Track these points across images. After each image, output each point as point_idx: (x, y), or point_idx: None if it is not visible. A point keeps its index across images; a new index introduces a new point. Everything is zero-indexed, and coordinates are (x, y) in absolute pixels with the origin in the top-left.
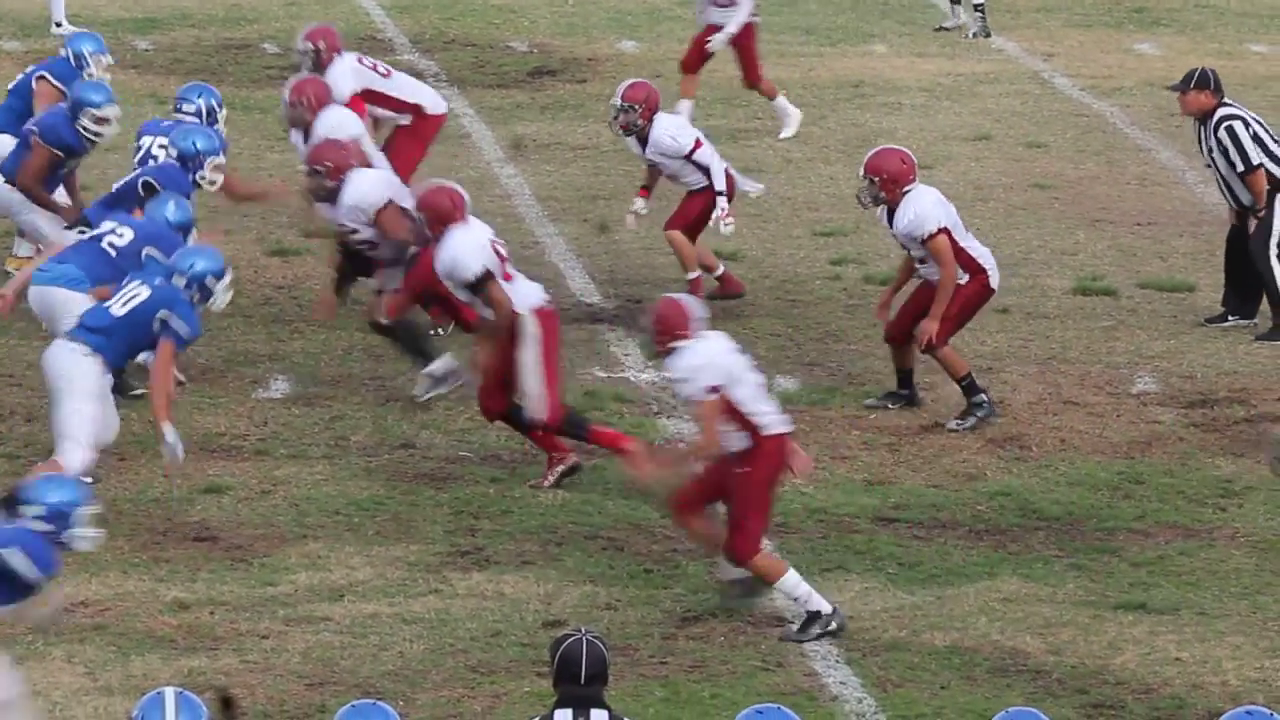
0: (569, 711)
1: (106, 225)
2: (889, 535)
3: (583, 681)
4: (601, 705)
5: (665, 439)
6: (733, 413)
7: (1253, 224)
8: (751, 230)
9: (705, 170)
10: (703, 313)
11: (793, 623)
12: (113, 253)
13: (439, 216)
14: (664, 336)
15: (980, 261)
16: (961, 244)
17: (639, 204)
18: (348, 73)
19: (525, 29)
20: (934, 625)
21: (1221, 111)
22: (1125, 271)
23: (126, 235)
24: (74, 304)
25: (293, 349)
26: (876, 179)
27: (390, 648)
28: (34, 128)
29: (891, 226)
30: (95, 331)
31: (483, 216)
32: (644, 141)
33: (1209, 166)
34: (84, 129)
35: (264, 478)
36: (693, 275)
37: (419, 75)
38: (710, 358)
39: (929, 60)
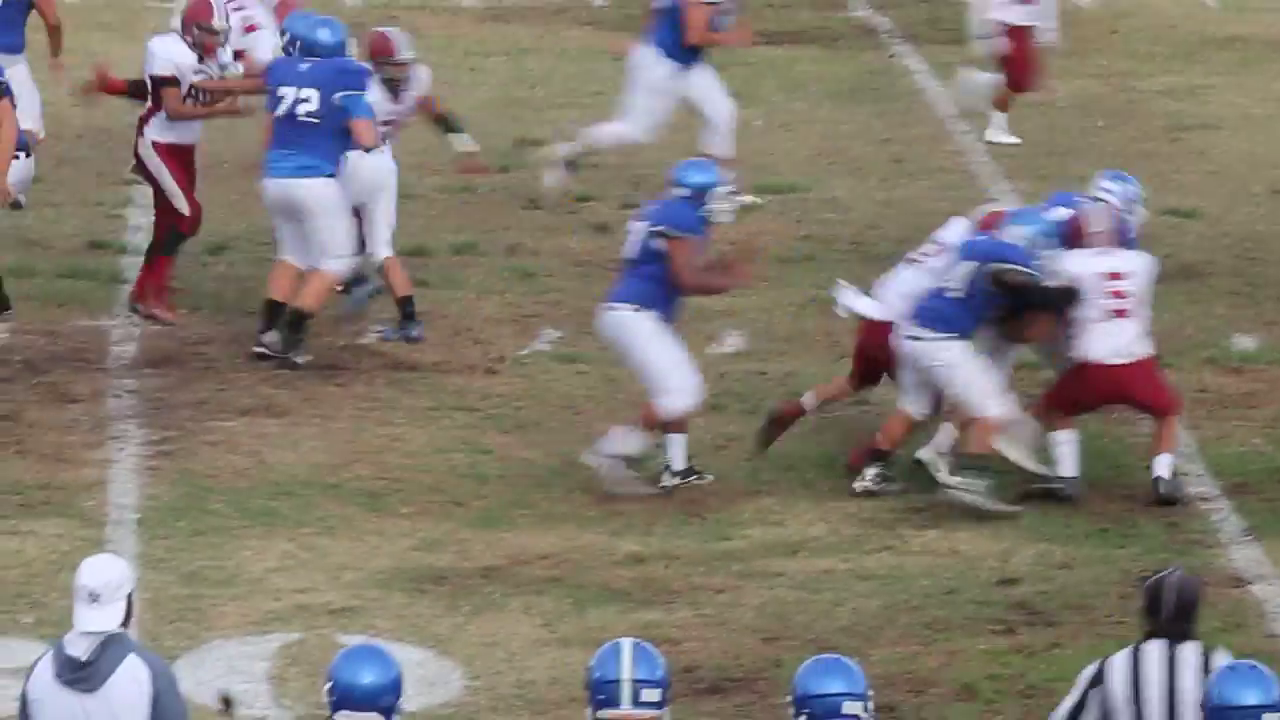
0: (1162, 642)
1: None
2: None
3: (1170, 617)
4: (1191, 638)
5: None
6: None
7: None
8: (1209, 187)
9: None
10: None
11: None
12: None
13: None
14: None
15: None
16: None
17: None
18: None
19: None
20: None
21: None
22: None
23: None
24: None
25: (747, 304)
26: None
27: (844, 603)
28: None
29: None
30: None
31: (935, 174)
32: None
33: None
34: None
35: (718, 433)
36: None
37: (870, 31)
38: None
39: None
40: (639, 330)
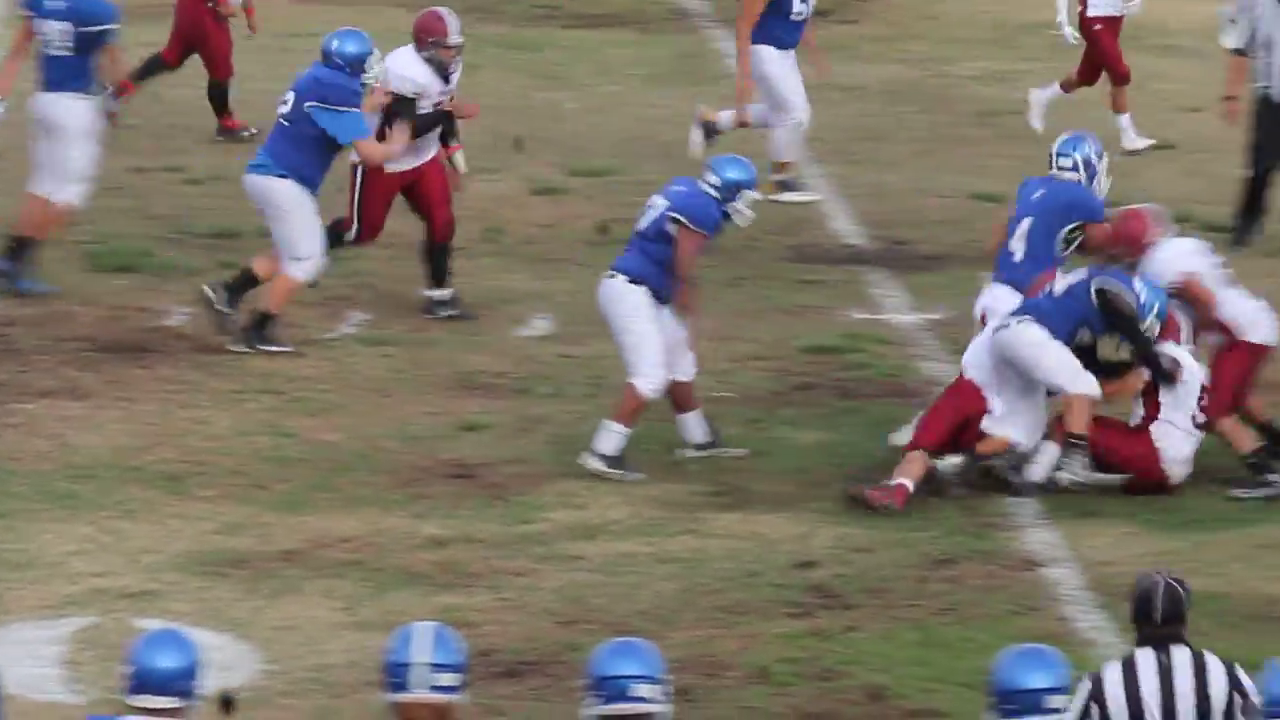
0: (1150, 650)
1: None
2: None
3: (1159, 621)
4: (1181, 642)
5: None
6: None
7: None
8: (1020, 172)
9: None
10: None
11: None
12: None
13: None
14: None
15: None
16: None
17: None
18: None
19: None
20: (1190, 571)
21: None
22: None
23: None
24: None
25: (555, 288)
26: None
27: (644, 587)
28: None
29: None
30: None
31: (753, 158)
32: None
33: None
34: None
35: (522, 416)
36: None
37: (684, 15)
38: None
39: (1199, 3)
40: (629, 303)
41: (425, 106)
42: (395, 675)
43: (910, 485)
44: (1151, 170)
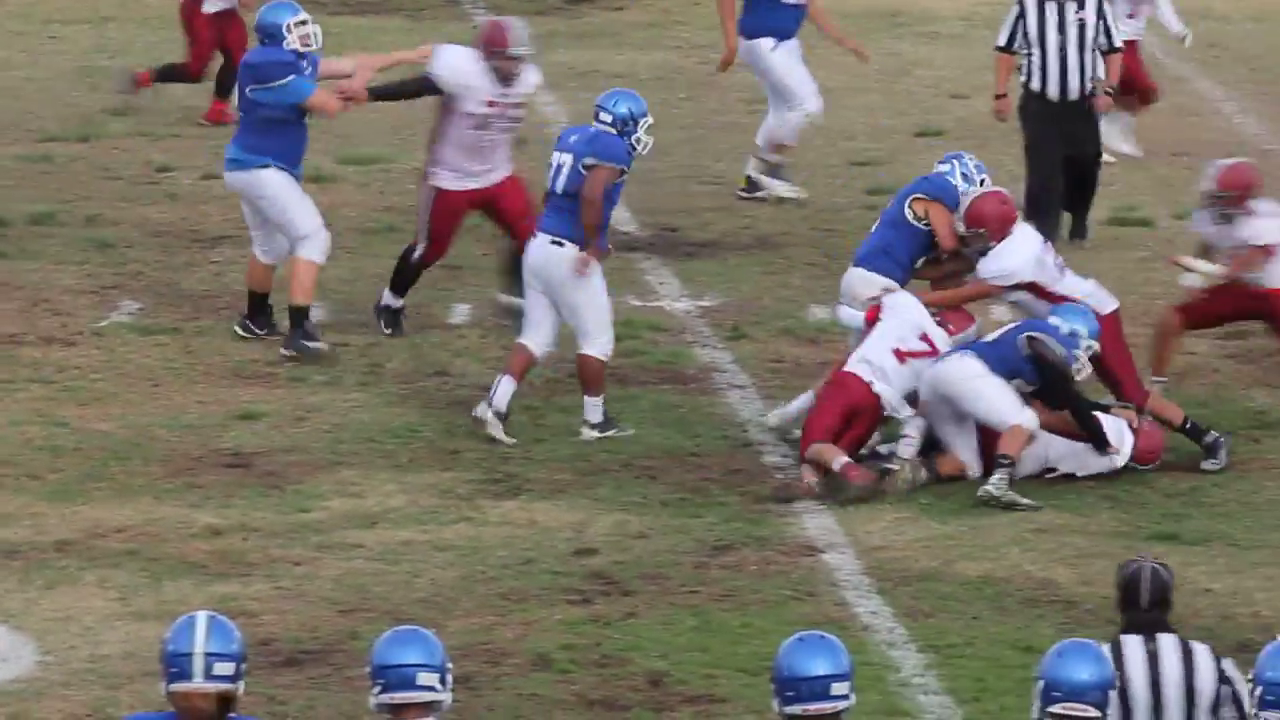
0: (1137, 637)
1: None
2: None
3: (1145, 607)
4: (1167, 629)
5: (699, 369)
6: None
7: None
8: (787, 159)
9: None
10: None
11: None
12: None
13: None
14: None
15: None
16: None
17: None
18: None
19: None
20: (966, 555)
21: None
22: (1162, 202)
23: None
24: None
25: (326, 276)
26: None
27: (422, 575)
28: None
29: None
30: None
31: (515, 145)
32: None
33: None
34: None
35: (298, 404)
36: None
37: (454, 2)
38: None
39: None
40: (562, 268)
41: (474, 106)
42: (174, 665)
43: (847, 459)
44: (921, 157)
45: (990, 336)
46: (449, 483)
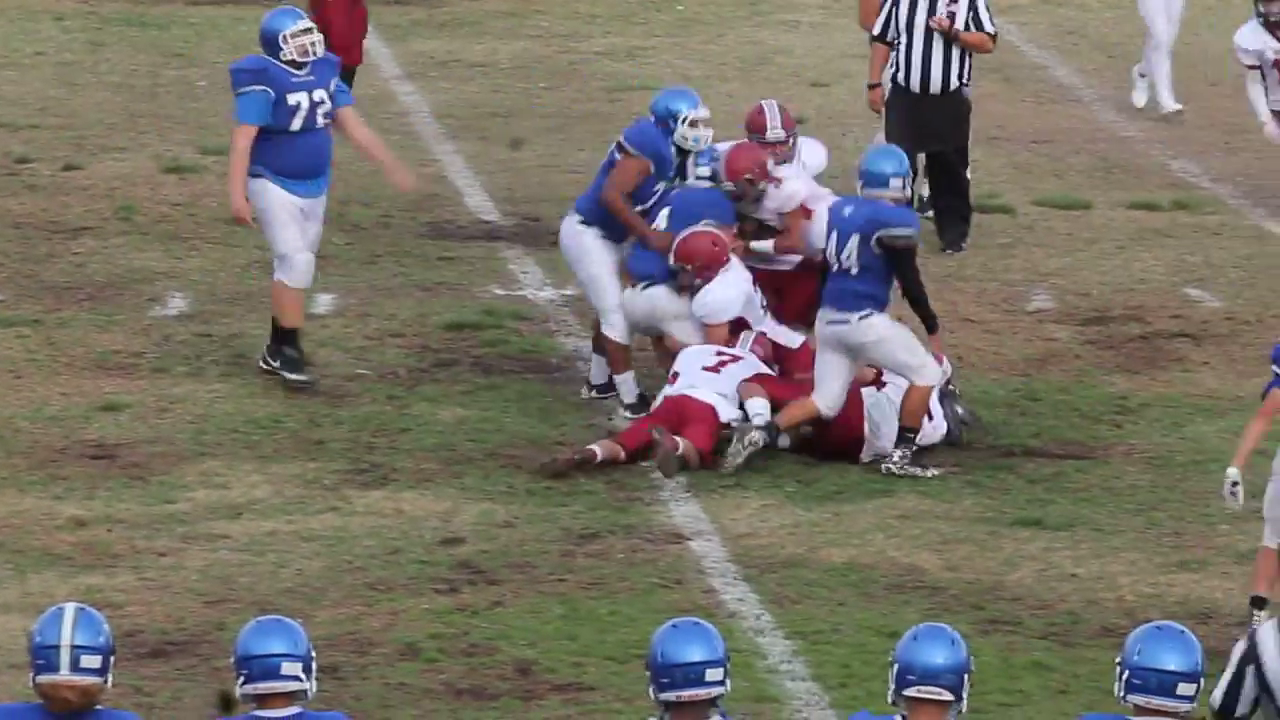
0: (1270, 624)
1: None
2: (787, 453)
3: None
4: None
5: (563, 357)
6: None
7: None
8: None
9: None
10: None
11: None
12: None
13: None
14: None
15: None
16: None
17: None
18: None
19: None
20: (831, 542)
21: None
22: (1021, 189)
23: None
24: None
25: (189, 266)
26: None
27: (288, 565)
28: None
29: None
30: None
31: (380, 134)
32: None
33: None
34: None
35: (161, 395)
36: None
37: None
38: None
39: None
40: (580, 245)
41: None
42: (40, 657)
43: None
44: None
45: (847, 267)
46: (314, 473)
